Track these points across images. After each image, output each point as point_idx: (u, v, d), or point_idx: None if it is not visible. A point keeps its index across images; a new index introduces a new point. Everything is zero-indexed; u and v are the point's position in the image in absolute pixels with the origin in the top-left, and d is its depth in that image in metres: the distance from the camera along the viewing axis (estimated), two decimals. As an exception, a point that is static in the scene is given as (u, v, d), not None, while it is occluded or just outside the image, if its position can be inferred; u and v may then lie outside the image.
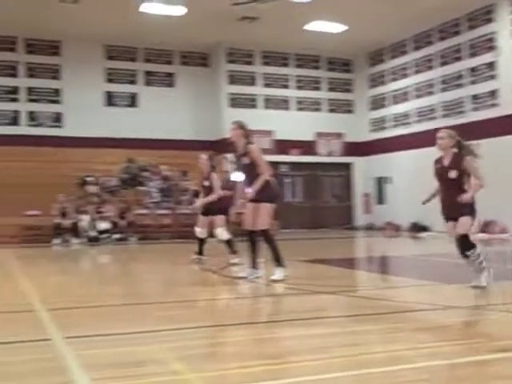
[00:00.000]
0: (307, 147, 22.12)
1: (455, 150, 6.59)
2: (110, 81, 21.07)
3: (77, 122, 20.19)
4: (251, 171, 7.56)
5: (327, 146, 22.59)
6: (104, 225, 16.61)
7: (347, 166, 23.04)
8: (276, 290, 7.10)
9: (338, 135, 22.71)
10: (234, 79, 21.59)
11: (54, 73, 20.46)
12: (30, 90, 20.22)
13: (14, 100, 20.06)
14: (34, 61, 20.24)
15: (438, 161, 6.73)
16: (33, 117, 20.22)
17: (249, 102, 21.64)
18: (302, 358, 3.89)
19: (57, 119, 20.45)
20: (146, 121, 20.72)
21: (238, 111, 20.24)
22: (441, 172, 6.65)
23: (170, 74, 21.70)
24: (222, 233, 10.05)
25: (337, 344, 4.26)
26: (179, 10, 17.77)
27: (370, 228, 21.69)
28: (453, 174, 6.51)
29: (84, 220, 16.49)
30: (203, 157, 10.43)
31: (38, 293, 6.93)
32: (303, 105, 22.39)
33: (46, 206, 16.32)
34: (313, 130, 22.26)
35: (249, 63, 21.80)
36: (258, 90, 21.89)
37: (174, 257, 11.56)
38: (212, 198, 10.04)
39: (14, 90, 20.05)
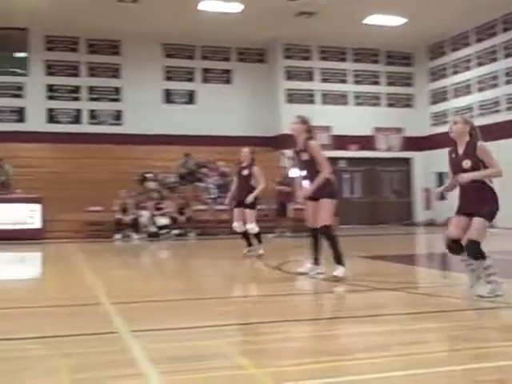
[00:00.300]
0: (366, 142, 21.88)
1: (469, 137, 5.93)
2: (169, 79, 21.33)
3: (136, 119, 20.53)
4: (311, 168, 7.46)
5: (386, 141, 22.29)
6: (163, 220, 16.83)
7: (407, 160, 22.68)
8: (336, 286, 7.04)
9: (398, 130, 22.38)
10: (291, 75, 21.54)
11: (114, 72, 20.86)
12: (91, 89, 20.68)
13: (76, 99, 20.55)
14: (95, 60, 20.68)
15: (453, 150, 6.05)
16: (94, 115, 20.68)
17: (306, 98, 21.54)
18: (361, 356, 3.85)
19: (117, 117, 20.85)
20: (203, 117, 20.90)
21: (295, 107, 20.18)
22: (455, 162, 5.96)
23: (227, 71, 21.81)
24: (254, 228, 10.24)
25: (396, 342, 4.20)
26: (236, 7, 17.84)
27: (430, 224, 21.30)
28: (467, 164, 5.81)
29: (144, 216, 16.74)
30: (245, 150, 10.59)
31: (102, 286, 7.08)
32: (361, 99, 22.15)
33: (107, 202, 16.68)
34: (371, 124, 22.00)
35: (306, 58, 21.70)
36: (316, 86, 21.77)
37: (233, 252, 11.61)
38: (258, 191, 10.20)
39: (76, 89, 20.54)
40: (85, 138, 19.72)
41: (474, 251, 5.71)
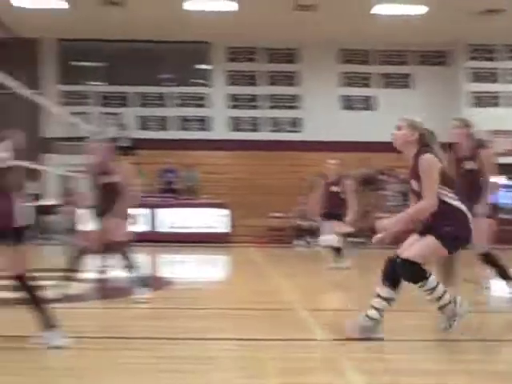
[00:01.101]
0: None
1: (416, 148, 4.66)
2: (346, 84, 21.28)
3: (314, 126, 20.69)
4: (474, 178, 6.65)
5: None
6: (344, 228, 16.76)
7: None
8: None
9: None
10: (475, 77, 20.53)
11: (291, 79, 21.23)
12: (270, 97, 21.21)
13: (256, 107, 21.18)
14: (273, 69, 21.20)
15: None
16: (273, 122, 21.18)
17: (491, 101, 20.40)
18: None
19: (295, 124, 21.19)
20: (382, 123, 20.41)
21: (479, 111, 19.20)
22: (408, 181, 4.81)
23: (405, 75, 21.29)
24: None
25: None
26: (419, 9, 17.29)
27: None
28: (415, 185, 4.56)
29: (323, 222, 16.80)
30: (332, 162, 10.22)
31: (291, 292, 7.19)
32: (556, 100, 20.54)
33: (287, 208, 17.05)
34: None
35: (490, 59, 20.56)
36: (500, 87, 20.54)
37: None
38: (353, 213, 10.01)
39: (256, 98, 21.18)
40: (265, 145, 20.24)
41: (410, 271, 4.53)
